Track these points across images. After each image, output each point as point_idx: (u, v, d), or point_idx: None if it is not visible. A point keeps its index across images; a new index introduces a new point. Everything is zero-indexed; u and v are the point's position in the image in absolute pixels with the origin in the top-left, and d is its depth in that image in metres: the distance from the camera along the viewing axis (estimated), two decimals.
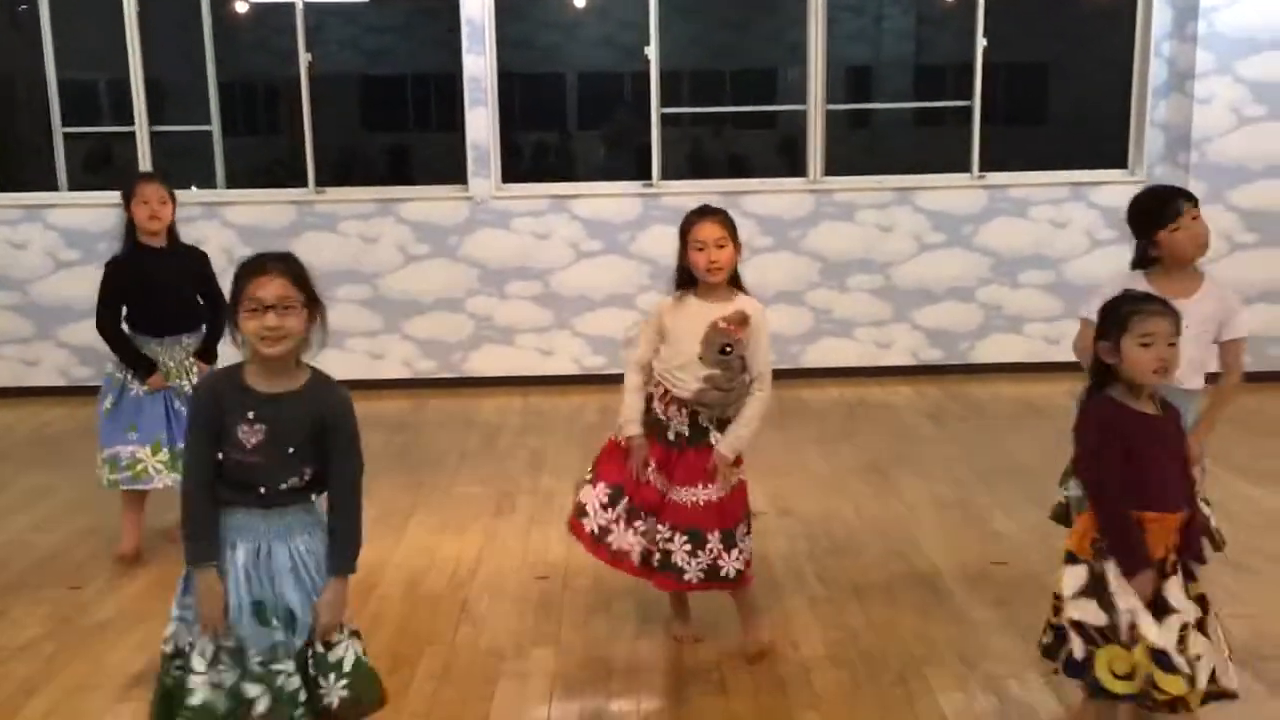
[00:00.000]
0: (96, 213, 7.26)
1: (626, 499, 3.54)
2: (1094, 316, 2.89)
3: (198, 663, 2.54)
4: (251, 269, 2.51)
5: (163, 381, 4.50)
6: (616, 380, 7.97)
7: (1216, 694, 2.77)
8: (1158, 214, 3.44)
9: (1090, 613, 2.73)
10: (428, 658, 3.64)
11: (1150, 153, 7.34)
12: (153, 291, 4.50)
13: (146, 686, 3.47)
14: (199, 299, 4.61)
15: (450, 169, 7.80)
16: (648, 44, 7.33)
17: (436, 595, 4.16)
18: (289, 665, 2.53)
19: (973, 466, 5.58)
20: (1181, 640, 2.68)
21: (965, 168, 7.50)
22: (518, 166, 9.64)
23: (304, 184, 7.39)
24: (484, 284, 7.38)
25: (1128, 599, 2.67)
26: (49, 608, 4.10)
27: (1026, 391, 7.02)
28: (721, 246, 3.46)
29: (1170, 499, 2.71)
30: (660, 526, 3.51)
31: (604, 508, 3.55)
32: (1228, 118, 7.02)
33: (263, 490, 2.51)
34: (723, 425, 3.52)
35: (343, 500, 2.60)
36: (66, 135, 7.61)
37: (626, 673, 3.54)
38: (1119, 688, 2.70)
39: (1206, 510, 3.42)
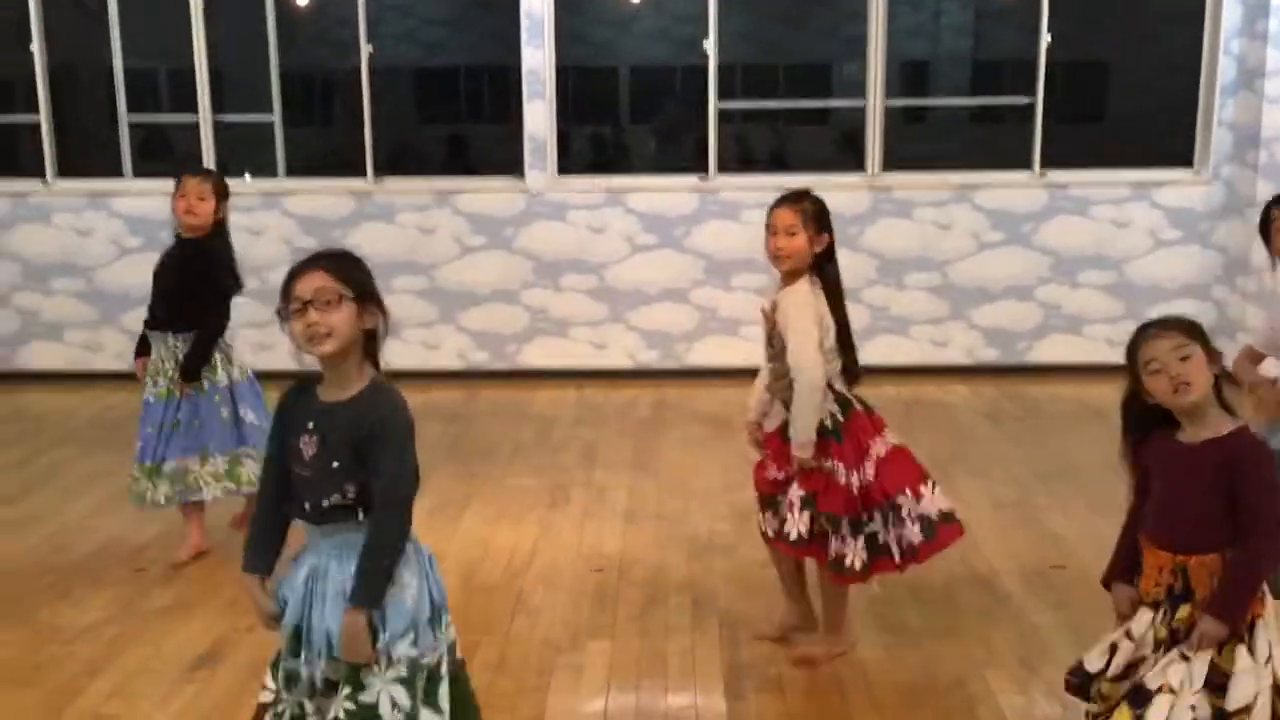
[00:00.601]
0: (160, 200, 7.35)
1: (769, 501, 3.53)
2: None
3: (265, 695, 2.47)
4: (294, 269, 2.36)
5: (141, 372, 4.45)
6: (670, 375, 7.98)
7: None
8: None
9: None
10: (484, 648, 3.65)
11: (1218, 152, 7.20)
12: (161, 284, 4.45)
13: (208, 669, 3.53)
14: (198, 296, 4.38)
15: (503, 161, 7.82)
16: (704, 38, 7.31)
17: (492, 586, 4.17)
18: (304, 699, 2.40)
19: (1030, 467, 5.51)
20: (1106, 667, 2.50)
21: (1023, 165, 7.41)
22: (572, 159, 9.65)
23: (362, 174, 7.45)
24: (539, 276, 7.39)
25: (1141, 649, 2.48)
26: (111, 590, 4.16)
27: (1085, 393, 6.92)
28: (792, 234, 3.36)
29: (1164, 535, 2.47)
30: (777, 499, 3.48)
31: (762, 511, 3.57)
32: None
33: (308, 506, 2.36)
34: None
35: (376, 522, 2.34)
36: (131, 123, 7.71)
37: (682, 667, 3.54)
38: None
39: None
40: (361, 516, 2.36)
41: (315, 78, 13.94)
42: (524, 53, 7.25)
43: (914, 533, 3.40)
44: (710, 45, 7.31)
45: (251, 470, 4.35)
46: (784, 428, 3.43)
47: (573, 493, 5.22)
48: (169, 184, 4.47)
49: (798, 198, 3.45)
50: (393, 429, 2.33)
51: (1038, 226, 7.33)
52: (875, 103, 7.38)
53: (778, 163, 12.51)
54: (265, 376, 4.61)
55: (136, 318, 7.31)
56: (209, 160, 7.45)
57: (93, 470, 5.60)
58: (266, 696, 2.47)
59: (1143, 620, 2.50)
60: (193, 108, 7.45)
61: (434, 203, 7.41)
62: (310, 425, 2.36)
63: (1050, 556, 4.39)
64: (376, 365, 2.42)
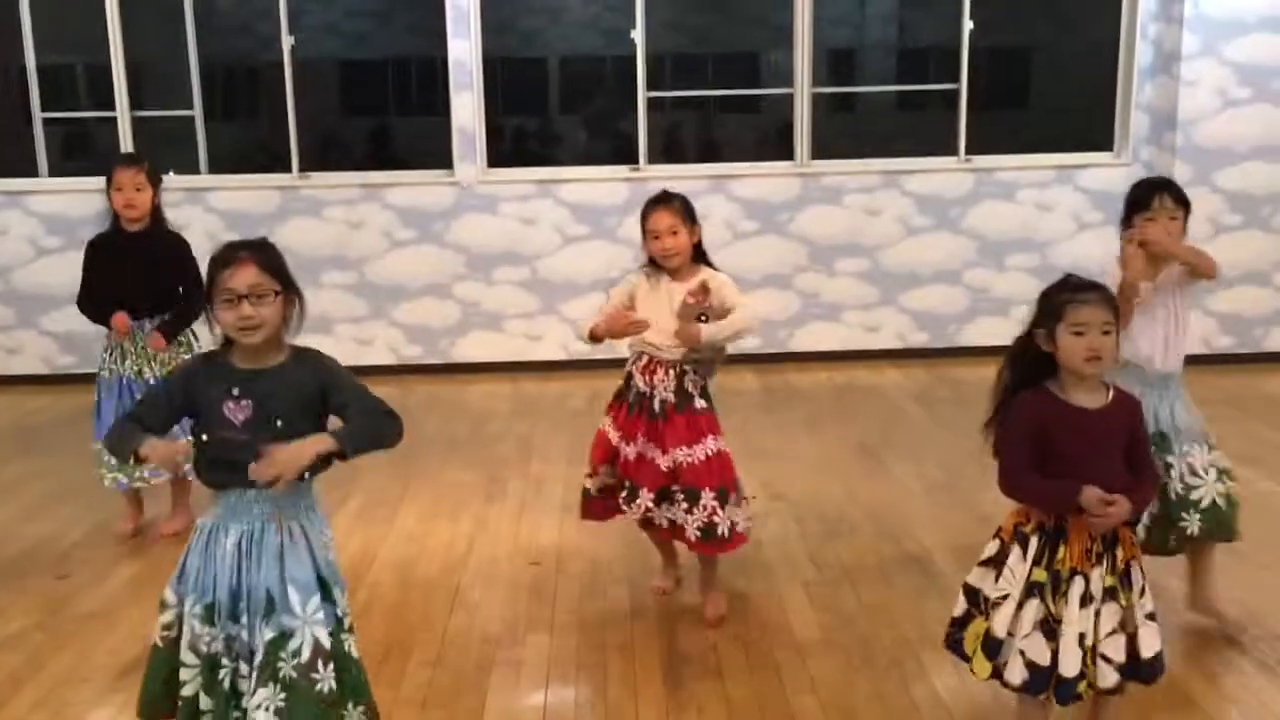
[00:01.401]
0: (77, 198, 7.18)
1: (625, 480, 3.70)
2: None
3: (186, 655, 2.53)
4: (223, 259, 2.49)
5: (127, 324, 4.40)
6: (604, 365, 7.95)
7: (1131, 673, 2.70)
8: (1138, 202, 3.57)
9: (985, 584, 2.80)
10: (421, 646, 3.62)
11: (1136, 135, 7.35)
12: (125, 275, 4.44)
13: (136, 677, 3.44)
14: (176, 286, 4.46)
15: (432, 154, 7.75)
16: (632, 28, 7.30)
17: (429, 583, 4.14)
18: (239, 664, 2.49)
19: (961, 448, 5.56)
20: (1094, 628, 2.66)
21: (949, 151, 7.50)
22: (501, 151, 9.57)
23: (288, 169, 7.33)
24: (471, 269, 7.34)
25: (1008, 585, 2.71)
26: (36, 598, 4.06)
27: None
28: (675, 234, 3.61)
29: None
30: (674, 489, 3.64)
31: (609, 491, 3.76)
32: (1213, 100, 7.04)
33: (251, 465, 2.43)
34: (704, 393, 3.70)
35: (365, 414, 2.55)
36: (46, 120, 7.52)
37: (622, 657, 3.53)
38: (978, 665, 2.75)
39: (1216, 488, 3.53)
40: (307, 475, 2.49)
41: (237, 71, 13.68)
42: (450, 44, 7.19)
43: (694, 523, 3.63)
44: (638, 35, 7.30)
45: None
46: (675, 406, 3.65)
47: (509, 486, 5.19)
48: (87, 181, 4.39)
49: (668, 199, 3.67)
50: (339, 372, 2.57)
51: (964, 211, 7.43)
52: (803, 91, 7.42)
53: (708, 152, 12.54)
54: None
55: (56, 319, 7.24)
56: None
57: (14, 476, 5.46)
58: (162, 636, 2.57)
59: (1094, 579, 2.66)
60: (111, 104, 7.29)
61: (362, 196, 7.32)
62: (234, 391, 2.47)
63: (982, 536, 4.38)
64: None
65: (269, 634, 2.45)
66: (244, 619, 2.48)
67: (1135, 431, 2.72)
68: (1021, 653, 2.66)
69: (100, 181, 4.50)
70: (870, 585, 4.02)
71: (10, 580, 4.23)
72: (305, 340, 2.63)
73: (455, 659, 3.55)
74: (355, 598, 3.96)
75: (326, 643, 2.48)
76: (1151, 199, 3.53)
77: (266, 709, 2.41)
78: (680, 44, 13.55)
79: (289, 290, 2.53)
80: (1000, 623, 2.70)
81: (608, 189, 7.37)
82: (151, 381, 4.38)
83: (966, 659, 2.81)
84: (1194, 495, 3.52)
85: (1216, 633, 3.59)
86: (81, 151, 10.25)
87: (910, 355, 7.48)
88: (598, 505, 3.85)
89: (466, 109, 7.23)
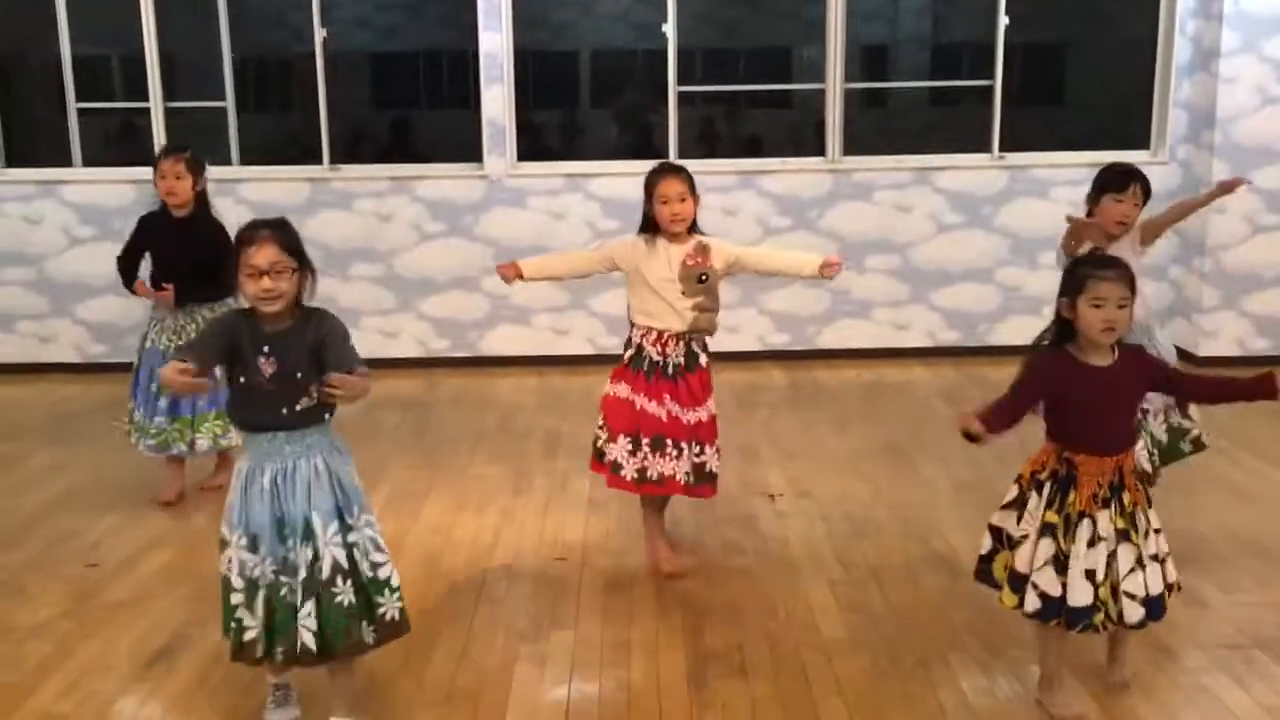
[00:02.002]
0: (111, 189, 7.24)
1: (645, 436, 3.96)
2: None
3: (236, 581, 2.94)
4: (247, 238, 2.88)
5: (169, 296, 4.70)
6: None
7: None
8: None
9: (1007, 523, 3.15)
10: (446, 639, 3.62)
11: (1173, 133, 7.25)
12: (168, 258, 4.76)
13: (164, 665, 3.48)
14: (212, 271, 4.57)
15: (461, 147, 7.74)
16: (664, 21, 7.27)
17: (454, 576, 4.14)
18: (295, 578, 2.89)
19: (990, 449, 5.48)
20: (1108, 567, 2.99)
21: (982, 148, 7.43)
22: (531, 145, 9.56)
23: (318, 161, 7.35)
24: (499, 262, 7.31)
25: (1028, 526, 3.07)
26: (66, 586, 4.09)
27: None
28: (683, 200, 3.96)
29: (1109, 444, 3.01)
30: (684, 444, 3.97)
31: (632, 454, 3.97)
32: (1253, 98, 6.93)
33: (284, 411, 2.87)
34: (704, 347, 4.07)
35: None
36: (80, 111, 7.57)
37: (646, 655, 3.52)
38: (1005, 596, 3.10)
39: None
40: (328, 417, 2.93)
41: (270, 63, 13.75)
42: (481, 37, 7.18)
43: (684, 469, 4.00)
44: (670, 29, 7.27)
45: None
46: (685, 367, 4.00)
47: (535, 481, 5.19)
48: (122, 172, 4.47)
49: (677, 169, 4.06)
50: (333, 328, 2.92)
51: (997, 209, 7.36)
52: (835, 86, 7.37)
53: (739, 147, 12.48)
54: None
55: (90, 308, 7.31)
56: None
57: (45, 465, 5.51)
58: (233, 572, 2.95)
59: (1103, 520, 2.99)
60: (145, 95, 7.33)
61: (391, 189, 7.33)
62: (265, 349, 2.88)
63: None
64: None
65: (307, 555, 2.88)
66: (289, 542, 2.89)
67: (1153, 376, 3.13)
68: (1034, 585, 3.01)
69: (133, 172, 4.59)
70: (897, 586, 3.99)
71: (40, 568, 4.26)
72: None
73: (480, 653, 3.55)
74: None
75: (345, 562, 2.90)
76: (1127, 185, 4.00)
77: (307, 617, 2.87)
78: (712, 38, 13.50)
79: (304, 266, 2.91)
80: (1022, 560, 3.05)
81: (636, 183, 7.28)
82: None
83: (997, 588, 3.15)
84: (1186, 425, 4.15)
85: (1250, 642, 3.54)
86: (116, 142, 10.32)
87: (940, 354, 7.42)
88: (608, 469, 4.03)
89: (497, 102, 7.23)
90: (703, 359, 4.04)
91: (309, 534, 2.88)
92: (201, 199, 4.78)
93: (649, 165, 7.31)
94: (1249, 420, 4.70)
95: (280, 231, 2.90)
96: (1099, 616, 2.98)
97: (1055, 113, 12.72)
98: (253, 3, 13.18)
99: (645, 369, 3.99)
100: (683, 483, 3.98)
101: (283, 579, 2.90)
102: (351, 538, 2.93)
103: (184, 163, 4.69)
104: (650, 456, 3.95)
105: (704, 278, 3.95)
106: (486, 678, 3.39)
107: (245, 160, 7.82)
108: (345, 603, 2.89)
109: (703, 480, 4.03)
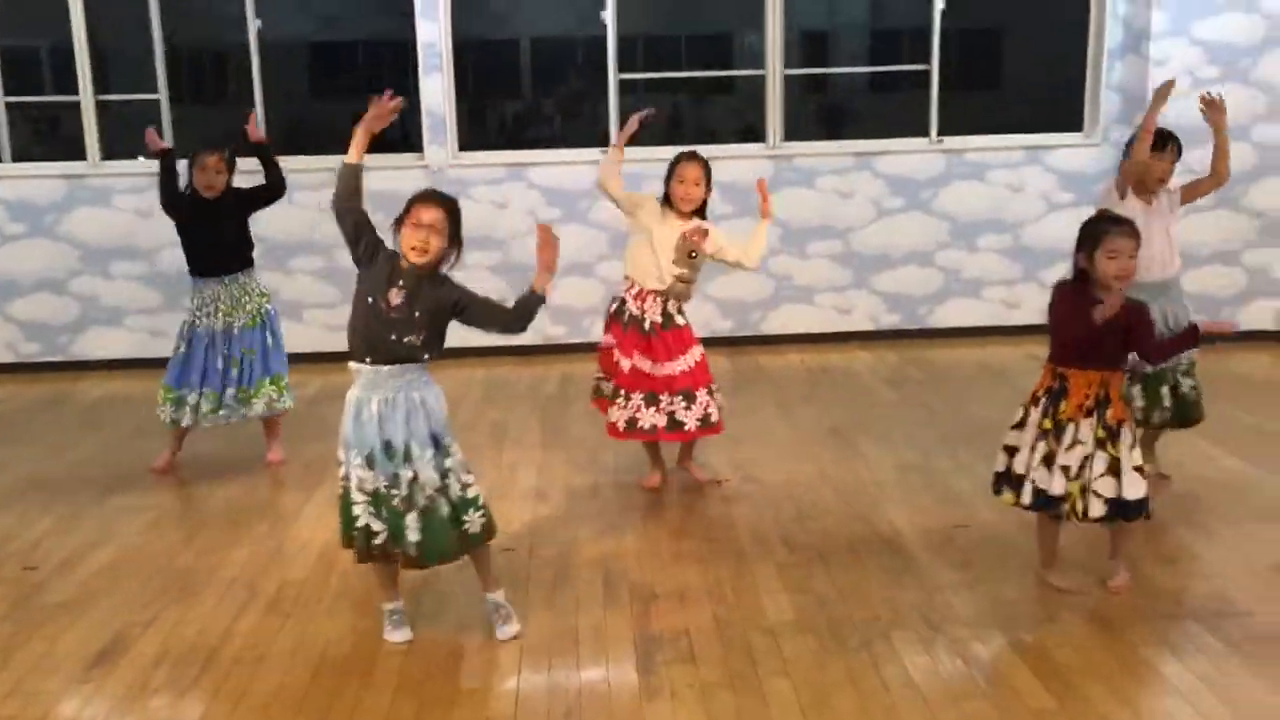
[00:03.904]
0: (42, 184, 7.11)
1: (620, 389, 4.59)
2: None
3: (356, 495, 3.41)
4: (422, 197, 3.41)
5: (157, 139, 5.22)
6: (578, 350, 7.95)
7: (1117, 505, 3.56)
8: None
9: (1012, 438, 3.73)
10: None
11: (1106, 115, 7.37)
12: (203, 234, 5.11)
13: (106, 666, 3.43)
14: (248, 234, 5.26)
15: (406, 137, 7.68)
16: (603, 8, 7.25)
17: (400, 570, 4.10)
18: (400, 491, 3.37)
19: (933, 430, 5.62)
20: (1082, 467, 3.55)
21: (921, 132, 7.50)
22: (473, 134, 9.50)
23: None
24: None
25: (1023, 437, 3.67)
26: (4, 588, 4.02)
27: (984, 355, 7.07)
28: (698, 185, 4.58)
29: (1093, 363, 3.55)
30: (661, 396, 4.57)
31: (622, 407, 4.60)
32: (1183, 79, 7.02)
33: (392, 337, 3.33)
34: (680, 311, 4.64)
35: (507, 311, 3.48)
36: (8, 104, 7.41)
37: (594, 642, 3.53)
38: (1004, 496, 3.74)
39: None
40: (426, 357, 3.40)
41: (205, 54, 13.54)
42: (419, 26, 7.13)
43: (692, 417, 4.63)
44: (609, 15, 7.26)
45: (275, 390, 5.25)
46: (661, 325, 4.60)
47: (482, 472, 5.15)
48: (53, 166, 4.39)
49: (698, 156, 4.65)
50: (467, 291, 3.44)
51: (936, 192, 7.45)
52: (775, 73, 7.40)
53: (681, 133, 12.49)
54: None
55: (22, 307, 7.18)
56: (93, 141, 7.23)
57: None
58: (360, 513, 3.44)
59: (1085, 428, 3.55)
60: (75, 88, 7.20)
61: (330, 181, 7.19)
62: (400, 282, 3.36)
63: (954, 517, 4.48)
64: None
65: (408, 473, 3.37)
66: (395, 459, 3.36)
67: (1134, 329, 3.52)
68: (1033, 481, 3.62)
69: (65, 166, 4.51)
70: (842, 566, 4.03)
71: None
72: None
73: (427, 645, 3.54)
74: (326, 585, 3.97)
75: (437, 480, 3.40)
76: (1165, 144, 4.48)
77: (411, 526, 3.38)
78: (653, 25, 13.49)
79: (456, 238, 3.41)
80: (1020, 463, 3.67)
81: (579, 172, 7.34)
82: (237, 331, 5.13)
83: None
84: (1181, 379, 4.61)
85: (1186, 614, 3.63)
86: (48, 135, 10.12)
87: (882, 337, 7.50)
88: (605, 401, 4.73)
89: (436, 92, 7.18)
90: (679, 319, 4.62)
91: (408, 456, 3.36)
92: (229, 186, 5.16)
93: (592, 154, 7.43)
94: None
95: (451, 204, 3.41)
96: (1065, 507, 3.59)
97: (993, 97, 12.87)
98: None
99: (625, 321, 4.62)
100: (623, 429, 4.60)
101: (393, 491, 3.37)
102: (447, 463, 3.42)
103: (224, 159, 5.10)
104: (640, 409, 4.58)
105: (693, 254, 4.54)
106: (434, 669, 3.39)
107: (183, 153, 7.69)
108: (443, 513, 3.40)
109: (707, 425, 4.63)
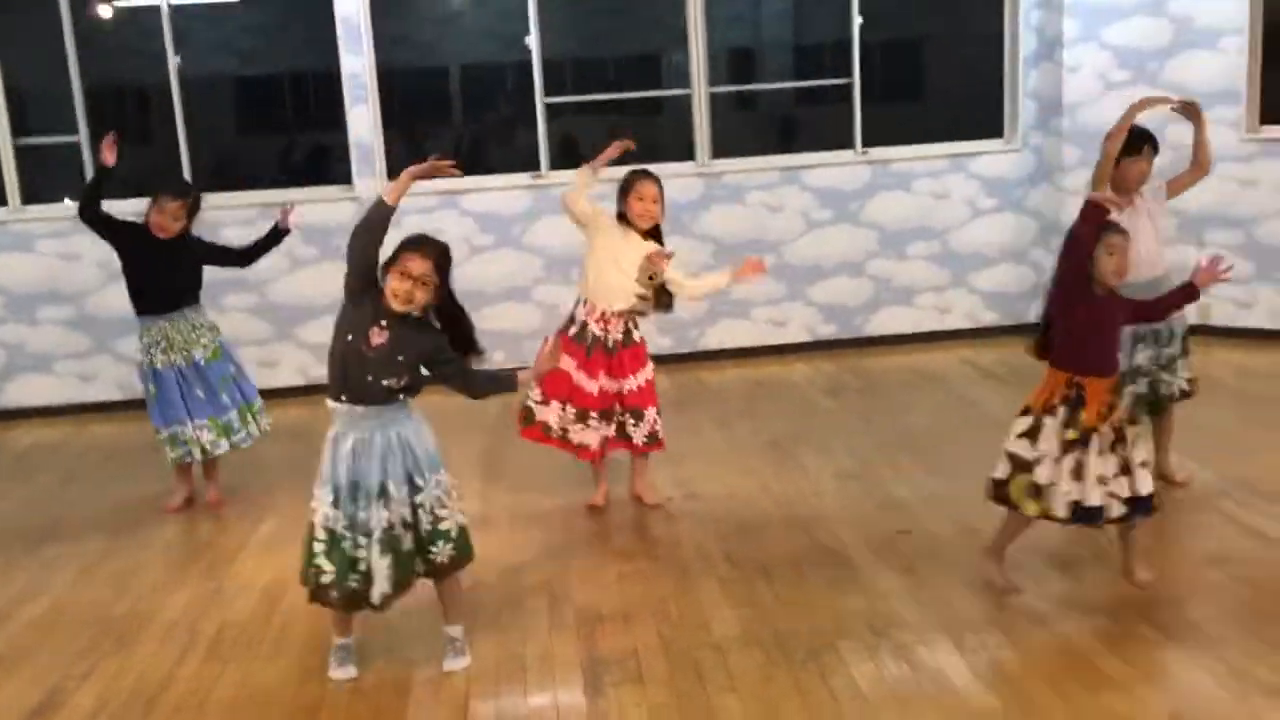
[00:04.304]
0: None
1: (573, 406, 4.64)
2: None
3: (319, 533, 3.37)
4: (412, 245, 3.32)
5: (112, 149, 5.06)
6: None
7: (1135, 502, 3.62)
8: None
9: (1022, 449, 3.65)
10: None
11: (1025, 121, 7.52)
12: (151, 272, 5.04)
13: None
14: (199, 274, 5.23)
15: (334, 169, 7.63)
16: (526, 34, 7.28)
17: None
18: (364, 540, 3.32)
19: (871, 438, 5.67)
20: (1101, 480, 3.56)
21: (848, 145, 7.60)
22: (405, 163, 9.47)
23: None
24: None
25: (1046, 446, 3.60)
26: None
27: (919, 361, 7.16)
28: (656, 201, 4.64)
29: (1109, 369, 3.63)
30: (614, 409, 4.70)
31: (559, 416, 4.66)
32: (1096, 84, 7.23)
33: (369, 378, 3.29)
34: (637, 325, 4.76)
35: (472, 375, 3.58)
36: None
37: (541, 668, 3.52)
38: (1028, 507, 3.65)
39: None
40: (403, 399, 3.39)
41: (126, 93, 13.36)
42: (343, 58, 7.10)
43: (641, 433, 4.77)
44: (533, 41, 7.28)
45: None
46: (621, 343, 4.70)
47: None
48: None
49: (652, 174, 4.70)
50: (447, 351, 3.45)
51: (864, 203, 7.54)
52: (700, 91, 7.47)
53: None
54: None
55: None
56: (13, 185, 7.11)
57: None
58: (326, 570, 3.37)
59: (1051, 428, 3.60)
60: None
61: (260, 216, 7.16)
62: (383, 322, 3.29)
63: (895, 523, 4.53)
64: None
65: (382, 515, 3.32)
66: (360, 503, 3.32)
67: (1131, 307, 3.74)
68: (1066, 494, 3.57)
69: None
70: (787, 580, 4.06)
71: None
72: None
73: (374, 678, 3.51)
74: (270, 622, 3.92)
75: (410, 518, 3.38)
76: (1140, 145, 4.49)
77: (386, 569, 3.33)
78: (580, 49, 13.55)
79: (443, 286, 3.35)
80: (1044, 474, 3.60)
81: (511, 197, 7.35)
82: (200, 362, 5.09)
83: (1012, 506, 3.69)
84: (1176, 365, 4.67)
85: (1120, 606, 3.70)
86: None
87: (819, 348, 7.57)
88: (538, 430, 4.72)
89: (363, 122, 7.15)
90: (636, 335, 4.75)
91: (384, 495, 3.32)
92: (184, 231, 5.11)
93: (522, 179, 7.43)
94: None
95: (438, 252, 3.33)
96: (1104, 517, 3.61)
97: (916, 107, 13.08)
98: (102, 30, 12.78)
99: (589, 343, 4.65)
100: (598, 448, 4.70)
101: (348, 534, 3.32)
102: (419, 498, 3.39)
103: (185, 207, 5.05)
104: (573, 424, 4.65)
105: (653, 277, 4.64)
106: (383, 705, 3.36)
107: (106, 194, 7.59)
108: (407, 548, 3.38)
109: (653, 442, 4.77)
